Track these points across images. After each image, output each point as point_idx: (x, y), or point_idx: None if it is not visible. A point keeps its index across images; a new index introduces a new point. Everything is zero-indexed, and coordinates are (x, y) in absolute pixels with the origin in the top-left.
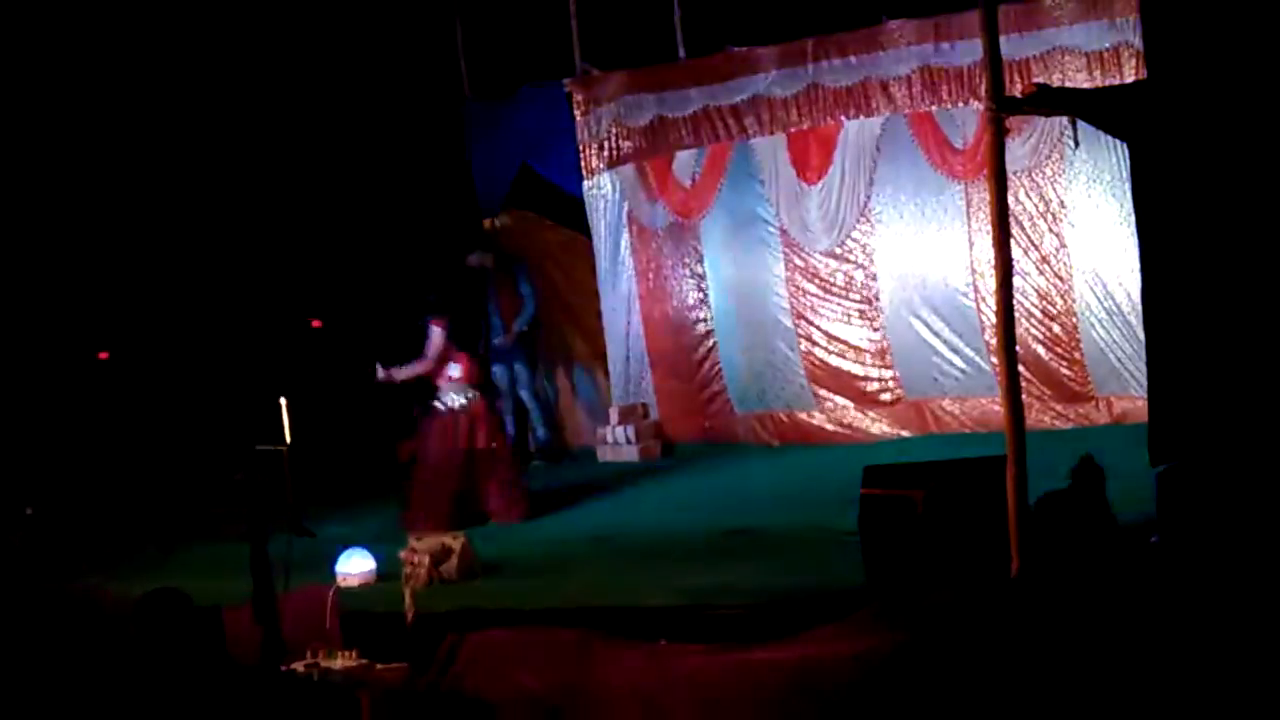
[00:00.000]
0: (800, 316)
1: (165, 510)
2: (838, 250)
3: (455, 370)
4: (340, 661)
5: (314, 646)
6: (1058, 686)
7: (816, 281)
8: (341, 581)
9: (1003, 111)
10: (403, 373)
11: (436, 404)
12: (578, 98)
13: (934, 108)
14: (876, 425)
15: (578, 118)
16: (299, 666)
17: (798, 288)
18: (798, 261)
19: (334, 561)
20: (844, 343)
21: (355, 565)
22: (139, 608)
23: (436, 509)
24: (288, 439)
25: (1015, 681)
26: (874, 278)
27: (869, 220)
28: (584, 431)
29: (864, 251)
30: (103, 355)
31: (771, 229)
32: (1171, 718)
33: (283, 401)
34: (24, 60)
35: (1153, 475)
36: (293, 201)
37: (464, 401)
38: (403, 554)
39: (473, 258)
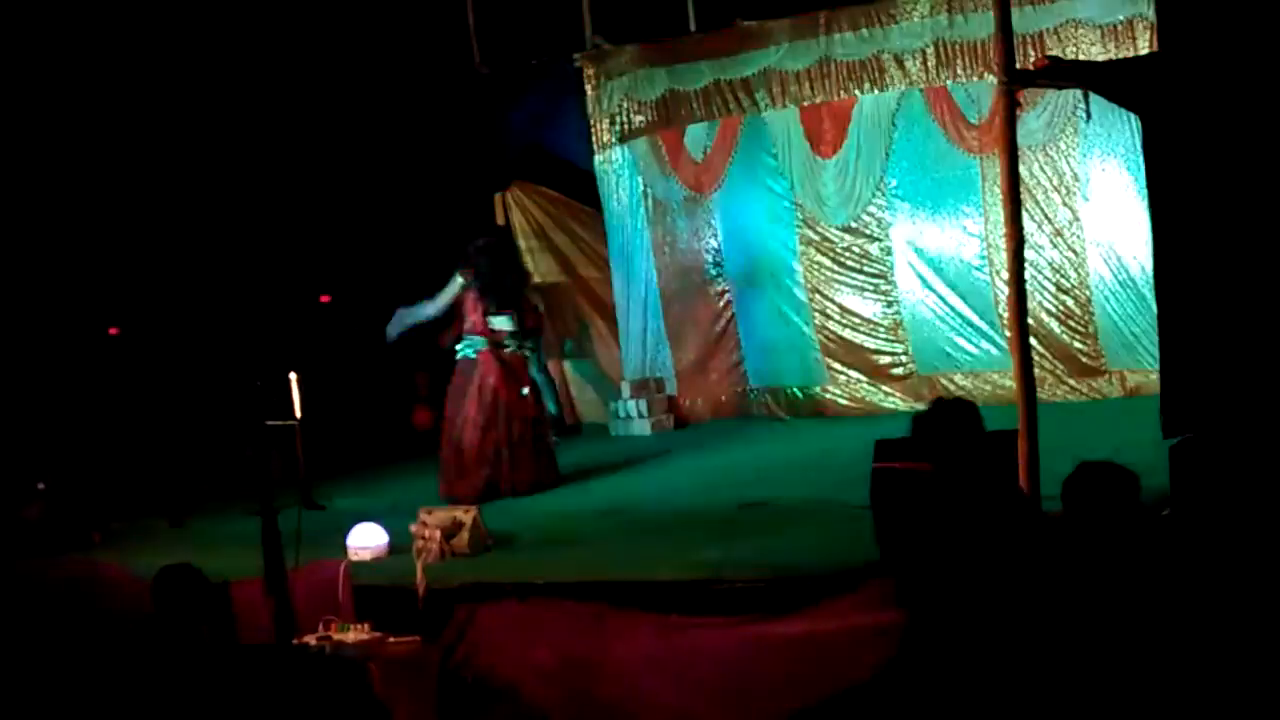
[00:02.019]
0: (815, 290)
1: (176, 485)
2: (853, 224)
3: (467, 323)
4: (352, 635)
5: (326, 620)
6: (1070, 660)
7: (832, 255)
8: (353, 555)
9: (1015, 85)
10: (411, 314)
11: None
12: (589, 72)
13: (949, 82)
14: (889, 399)
15: (589, 92)
16: (310, 640)
17: (813, 262)
18: (813, 235)
19: (345, 535)
20: (858, 316)
21: (367, 539)
22: (155, 583)
23: (460, 474)
24: (298, 414)
25: (1029, 655)
26: (889, 252)
27: (884, 194)
28: (596, 406)
29: (879, 225)
30: (113, 331)
31: (786, 203)
32: (1185, 691)
33: (293, 376)
34: (33, 34)
35: (1165, 449)
36: (302, 177)
37: (471, 355)
38: (414, 528)
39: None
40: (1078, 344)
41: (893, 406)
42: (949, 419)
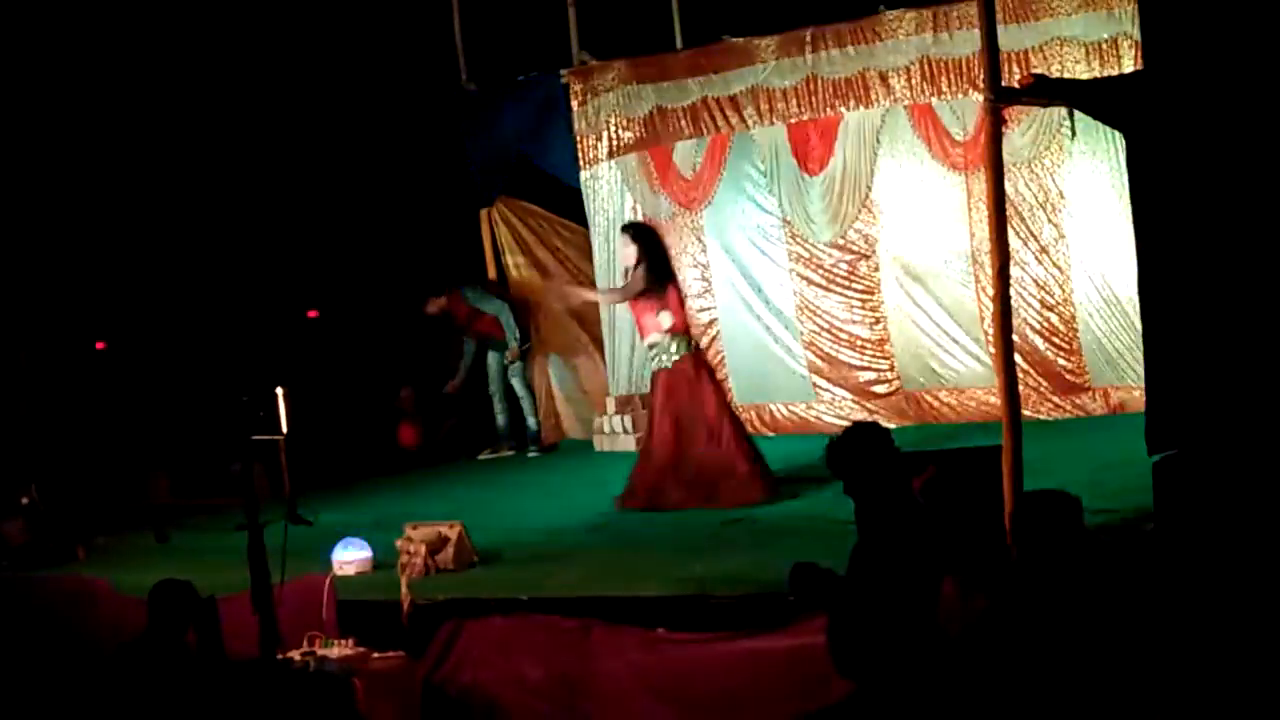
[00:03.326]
0: (802, 308)
1: (161, 500)
2: (840, 241)
3: (665, 319)
4: (336, 650)
5: (310, 635)
6: (1051, 676)
7: (820, 272)
8: (338, 570)
9: (1000, 102)
10: (589, 294)
11: (653, 365)
12: (575, 88)
13: (934, 99)
14: (874, 417)
15: (575, 108)
16: (295, 655)
17: (801, 278)
18: (801, 252)
19: (330, 550)
20: (846, 334)
21: (351, 554)
22: (151, 598)
23: (658, 486)
24: (284, 429)
25: (1011, 672)
26: (876, 269)
27: (871, 211)
28: (580, 421)
29: (866, 242)
30: (100, 345)
31: (774, 220)
32: (1169, 708)
33: (279, 391)
34: (22, 50)
35: (1149, 466)
36: (289, 192)
37: (676, 358)
38: (399, 543)
39: (431, 306)
40: (1062, 360)
41: None
42: (860, 444)
